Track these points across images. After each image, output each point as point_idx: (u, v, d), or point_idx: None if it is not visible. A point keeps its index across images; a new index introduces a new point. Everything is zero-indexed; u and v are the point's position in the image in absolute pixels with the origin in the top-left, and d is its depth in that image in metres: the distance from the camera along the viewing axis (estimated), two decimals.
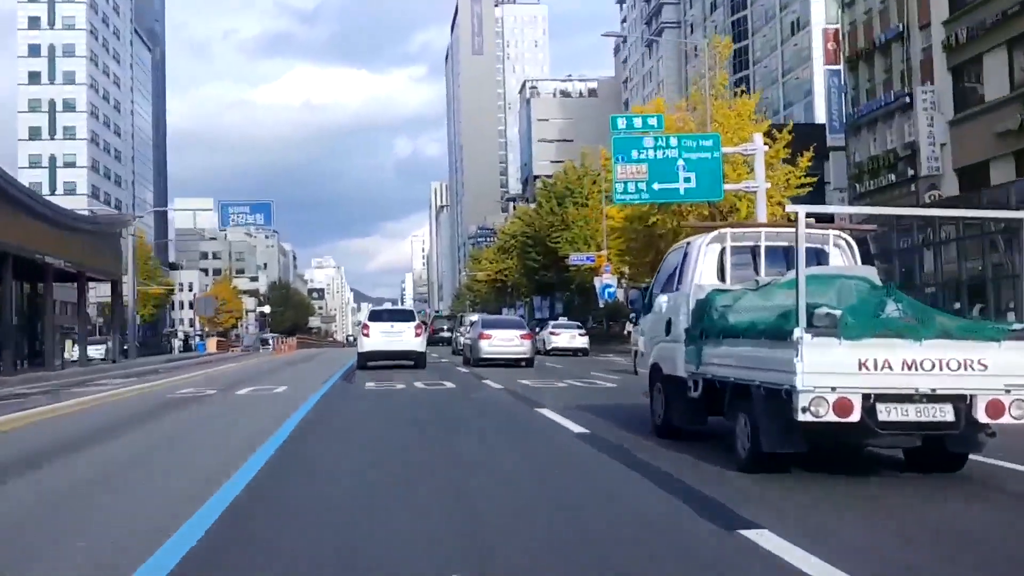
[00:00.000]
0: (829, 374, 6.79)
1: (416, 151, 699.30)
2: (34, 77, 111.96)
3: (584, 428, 10.72)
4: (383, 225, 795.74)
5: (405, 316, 27.81)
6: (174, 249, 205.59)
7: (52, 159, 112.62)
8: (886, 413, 6.88)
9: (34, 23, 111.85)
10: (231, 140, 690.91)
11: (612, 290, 52.48)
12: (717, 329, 8.39)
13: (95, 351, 40.03)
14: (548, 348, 39.91)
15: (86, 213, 49.19)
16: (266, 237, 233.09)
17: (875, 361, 6.81)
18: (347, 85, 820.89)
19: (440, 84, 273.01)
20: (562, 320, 51.41)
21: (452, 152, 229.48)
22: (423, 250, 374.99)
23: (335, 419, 12.68)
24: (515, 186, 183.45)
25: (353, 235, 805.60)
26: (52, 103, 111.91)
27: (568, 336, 41.14)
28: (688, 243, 10.13)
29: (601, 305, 55.55)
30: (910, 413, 6.92)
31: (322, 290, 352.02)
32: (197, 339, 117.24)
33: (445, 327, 59.63)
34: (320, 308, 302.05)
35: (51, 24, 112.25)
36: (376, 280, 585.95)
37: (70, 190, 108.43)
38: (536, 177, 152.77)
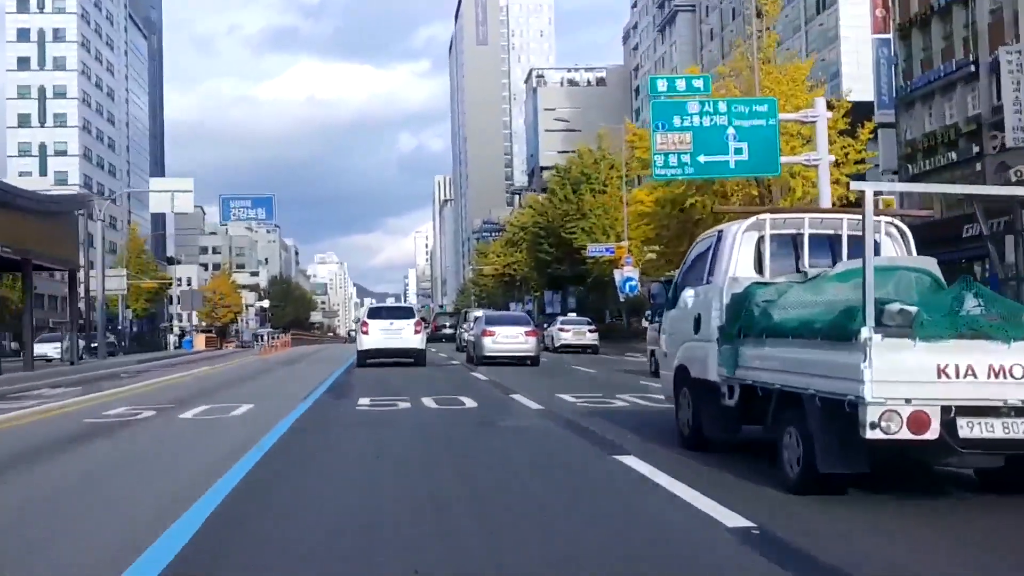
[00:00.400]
0: (903, 383, 5.86)
1: (420, 147, 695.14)
2: (23, 63, 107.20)
3: (745, 519, 5.78)
4: (386, 221, 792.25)
5: (404, 313, 27.27)
6: (173, 244, 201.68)
7: (43, 147, 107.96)
8: (968, 429, 5.94)
9: (23, 6, 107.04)
10: (235, 135, 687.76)
11: (634, 284, 47.75)
12: (759, 327, 7.43)
13: (51, 349, 35.05)
14: (557, 345, 38.37)
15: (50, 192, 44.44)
16: (267, 232, 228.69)
17: (956, 367, 5.87)
18: (351, 80, 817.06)
19: (444, 79, 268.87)
20: (571, 316, 48.97)
21: (456, 145, 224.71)
22: (426, 245, 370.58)
23: (294, 481, 7.57)
24: (521, 179, 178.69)
25: (356, 231, 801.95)
26: (42, 89, 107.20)
27: (577, 332, 39.60)
28: (721, 231, 9.03)
29: (621, 299, 50.84)
30: (996, 429, 5.96)
31: (325, 285, 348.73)
32: (189, 335, 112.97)
33: (448, 324, 57.57)
34: (323, 303, 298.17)
35: (41, 8, 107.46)
36: (379, 276, 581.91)
37: (61, 179, 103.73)
38: (543, 168, 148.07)
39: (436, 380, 20.49)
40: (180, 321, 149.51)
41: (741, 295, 7.84)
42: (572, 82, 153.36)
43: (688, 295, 9.26)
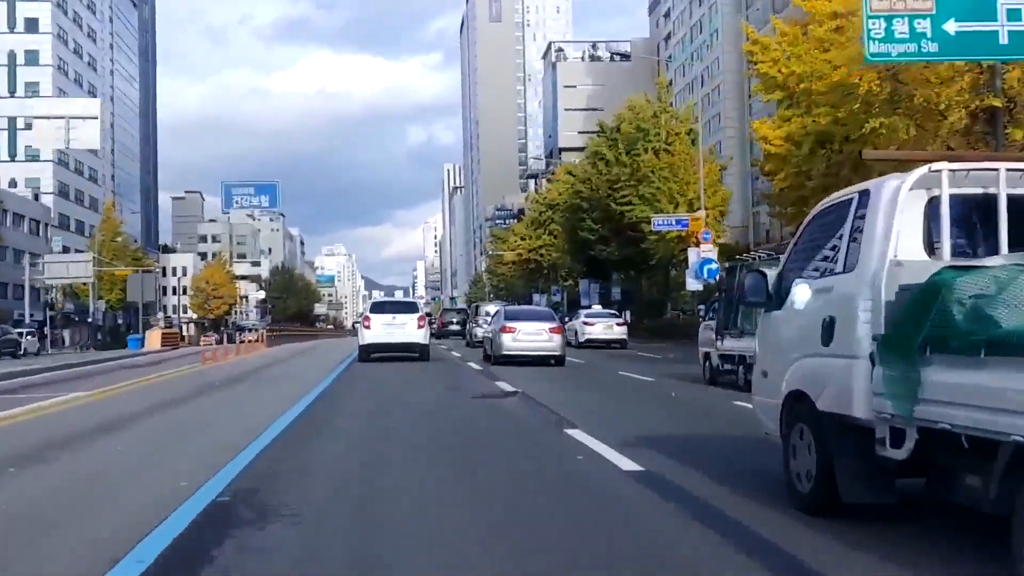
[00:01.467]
0: None
1: (430, 139, 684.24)
2: None
3: None
4: (395, 213, 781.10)
5: (408, 308, 26.39)
6: (171, 231, 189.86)
7: (11, 121, 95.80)
8: None
9: None
10: (245, 127, 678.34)
11: (714, 267, 35.64)
12: (971, 339, 4.52)
13: None
14: (581, 340, 35.64)
15: None
16: (271, 220, 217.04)
17: None
18: (362, 72, 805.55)
19: (455, 72, 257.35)
20: (596, 308, 44.22)
21: (467, 130, 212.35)
22: (435, 237, 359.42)
23: None
24: (537, 164, 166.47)
25: (365, 223, 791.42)
26: (12, 55, 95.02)
27: (604, 326, 36.62)
28: (865, 190, 5.86)
29: (696, 287, 38.66)
30: None
31: (332, 277, 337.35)
32: (152, 330, 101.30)
33: (455, 320, 54.64)
34: (330, 295, 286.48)
35: None
36: (388, 269, 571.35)
37: (32, 156, 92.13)
38: (562, 150, 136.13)
39: (451, 409, 13.01)
40: (175, 313, 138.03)
41: (927, 288, 4.96)
42: (594, 57, 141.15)
43: (803, 289, 6.32)
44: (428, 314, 31.40)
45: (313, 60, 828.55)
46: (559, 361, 23.20)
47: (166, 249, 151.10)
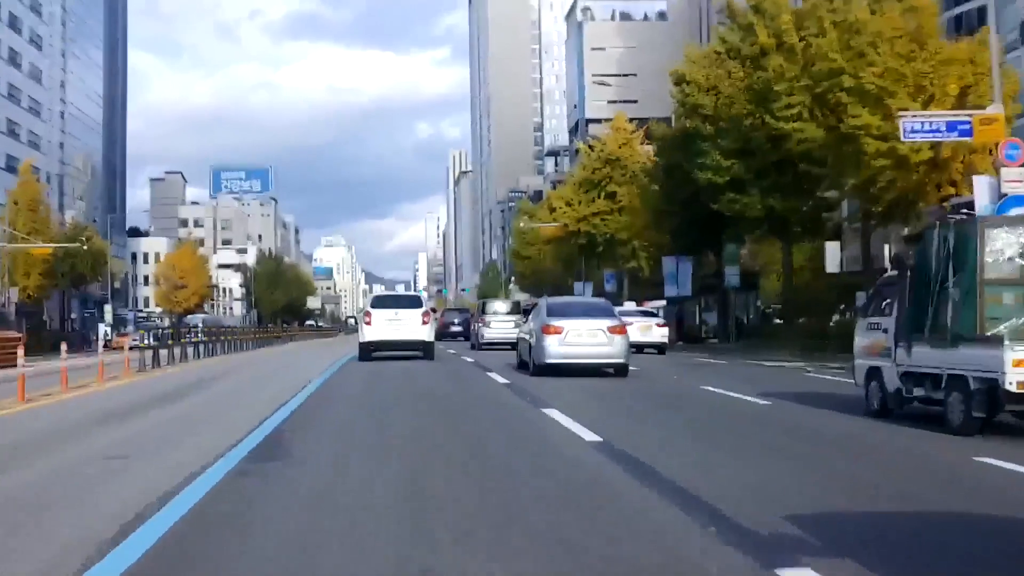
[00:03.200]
0: None
1: (437, 134, 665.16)
2: None
3: None
4: (399, 207, 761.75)
5: (411, 303, 24.02)
6: (148, 216, 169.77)
7: None
8: None
9: None
10: (255, 120, 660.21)
11: None
12: None
13: None
14: None
15: None
16: (261, 205, 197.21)
17: None
18: (371, 67, 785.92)
19: (463, 68, 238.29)
20: (629, 306, 35.41)
21: (476, 108, 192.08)
22: (438, 228, 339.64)
23: None
24: (556, 142, 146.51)
25: (369, 217, 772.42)
26: None
27: (643, 326, 29.06)
28: None
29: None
30: None
31: (331, 269, 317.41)
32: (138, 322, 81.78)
33: (456, 320, 49.75)
34: (329, 288, 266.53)
35: None
36: (390, 263, 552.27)
37: None
38: (589, 122, 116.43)
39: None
40: (141, 306, 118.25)
41: None
42: (625, 15, 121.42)
43: None
44: (433, 309, 30.44)
45: (322, 54, 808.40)
46: (621, 371, 17.06)
47: (135, 233, 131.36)
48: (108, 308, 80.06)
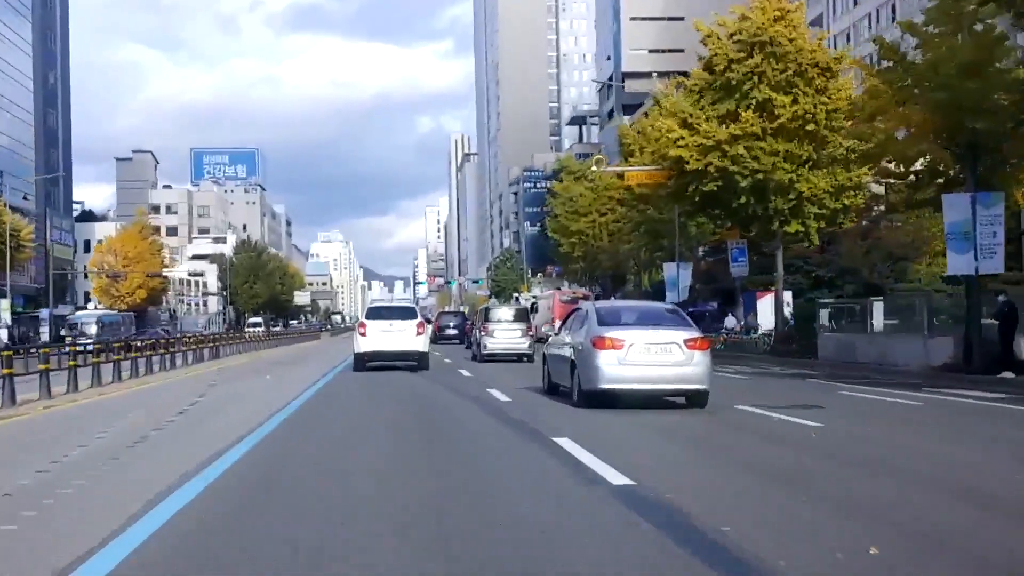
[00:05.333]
0: None
1: (439, 129, 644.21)
2: None
3: None
4: (400, 204, 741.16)
5: (405, 314, 23.78)
6: (116, 200, 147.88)
7: None
8: None
9: None
10: (255, 115, 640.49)
11: None
12: None
13: None
14: None
15: None
16: (246, 191, 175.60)
17: None
18: (374, 60, 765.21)
19: (466, 61, 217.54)
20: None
21: (483, 78, 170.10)
22: (438, 222, 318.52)
23: None
24: (578, 111, 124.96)
25: (370, 214, 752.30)
26: None
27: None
28: None
29: None
30: None
31: (326, 265, 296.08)
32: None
33: (451, 324, 46.96)
34: (325, 283, 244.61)
35: None
36: (390, 259, 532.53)
37: None
38: (626, 76, 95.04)
39: None
40: (81, 303, 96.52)
41: None
42: None
43: None
44: (427, 319, 29.61)
45: (324, 48, 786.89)
46: (699, 399, 12.33)
47: (88, 217, 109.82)
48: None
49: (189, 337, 34.26)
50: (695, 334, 12.50)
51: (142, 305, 78.87)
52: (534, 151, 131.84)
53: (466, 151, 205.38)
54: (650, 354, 12.10)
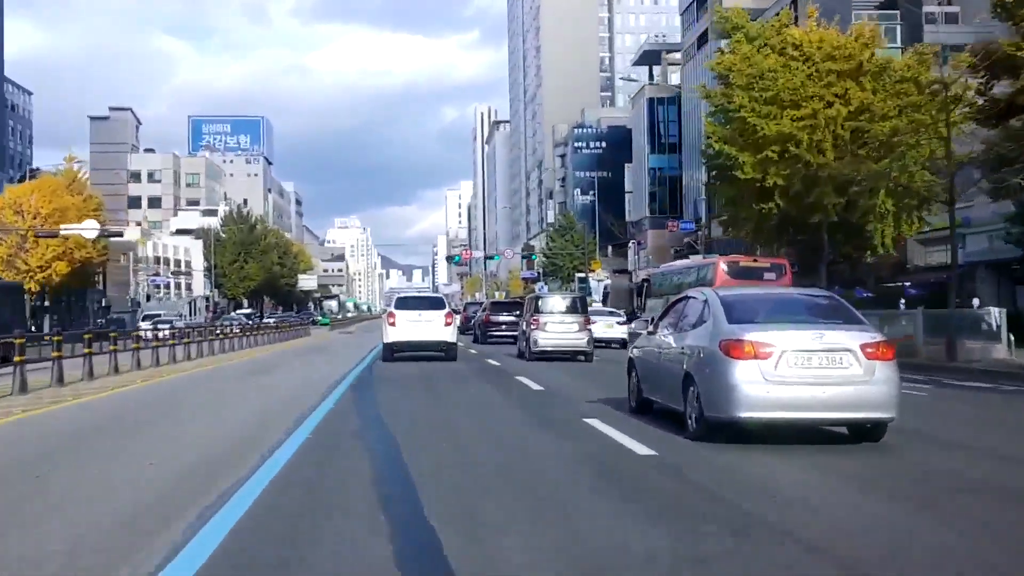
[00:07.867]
0: None
1: (463, 118, 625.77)
2: None
3: None
4: (423, 193, 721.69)
5: (434, 304, 24.01)
6: (89, 166, 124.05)
7: None
8: None
9: None
10: (284, 105, 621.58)
11: None
12: None
13: None
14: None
15: None
16: (247, 163, 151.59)
17: None
18: (401, 50, 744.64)
19: (494, 51, 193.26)
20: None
21: (516, 26, 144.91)
22: (459, 206, 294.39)
23: None
24: (654, 42, 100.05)
25: (393, 203, 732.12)
26: None
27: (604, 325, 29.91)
28: None
29: None
30: None
31: (342, 250, 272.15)
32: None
33: (503, 318, 41.39)
34: (340, 270, 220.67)
35: None
36: (410, 249, 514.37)
37: None
38: None
39: None
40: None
41: None
42: None
43: None
44: (455, 310, 29.92)
45: (352, 38, 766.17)
46: (875, 433, 8.69)
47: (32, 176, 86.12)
48: None
49: None
50: (875, 336, 8.62)
51: (65, 282, 54.93)
52: (584, 106, 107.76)
53: (494, 119, 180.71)
54: (811, 366, 8.26)
